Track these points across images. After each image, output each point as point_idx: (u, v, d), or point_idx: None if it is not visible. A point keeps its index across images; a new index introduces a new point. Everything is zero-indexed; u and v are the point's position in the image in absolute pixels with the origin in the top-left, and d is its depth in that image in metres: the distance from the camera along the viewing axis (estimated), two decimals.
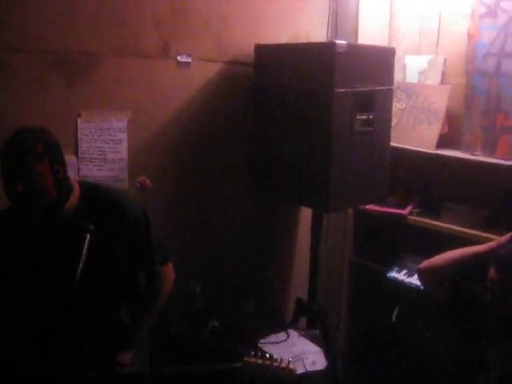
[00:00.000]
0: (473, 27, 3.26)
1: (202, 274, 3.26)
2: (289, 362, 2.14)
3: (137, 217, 2.48)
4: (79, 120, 2.82)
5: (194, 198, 3.31)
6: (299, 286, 3.68)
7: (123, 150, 2.97)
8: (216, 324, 3.09)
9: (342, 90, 2.85)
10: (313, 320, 3.42)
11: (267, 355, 2.16)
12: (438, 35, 3.52)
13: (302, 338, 3.17)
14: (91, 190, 2.41)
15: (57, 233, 2.30)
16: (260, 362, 2.14)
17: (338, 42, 2.84)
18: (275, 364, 2.12)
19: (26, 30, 2.64)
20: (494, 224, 3.15)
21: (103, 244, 2.32)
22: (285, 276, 3.86)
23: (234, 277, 3.49)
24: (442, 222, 3.31)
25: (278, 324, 3.33)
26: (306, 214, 3.63)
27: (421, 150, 3.39)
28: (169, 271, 2.67)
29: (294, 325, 3.36)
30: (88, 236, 2.20)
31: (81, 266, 2.14)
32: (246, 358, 2.15)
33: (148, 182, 3.05)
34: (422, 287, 3.26)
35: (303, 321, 3.46)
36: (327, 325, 3.38)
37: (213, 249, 3.41)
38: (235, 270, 3.51)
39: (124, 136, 2.96)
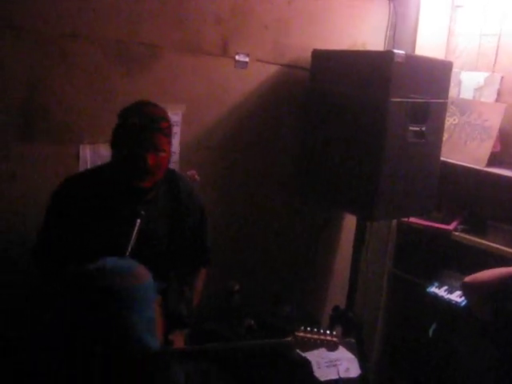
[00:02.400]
0: None
1: (242, 273, 3.28)
2: (332, 334, 2.22)
3: (202, 210, 2.61)
4: None
5: (239, 197, 3.34)
6: (337, 294, 3.68)
7: (175, 144, 3.00)
8: (252, 323, 3.10)
9: (396, 100, 2.86)
10: (348, 329, 3.40)
11: (315, 329, 2.21)
12: (497, 53, 3.50)
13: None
14: (170, 175, 2.50)
15: (129, 210, 2.34)
16: (309, 335, 2.19)
17: (396, 51, 2.84)
18: (322, 337, 2.18)
19: (89, 17, 2.67)
20: None
21: (162, 227, 2.42)
22: (324, 283, 3.86)
23: (273, 279, 3.50)
24: (487, 240, 3.29)
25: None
26: (349, 222, 3.63)
27: (471, 166, 3.37)
28: (206, 270, 2.75)
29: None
30: (138, 221, 2.25)
31: (129, 249, 2.19)
32: (296, 333, 2.20)
33: (197, 176, 3.09)
34: (461, 304, 3.27)
35: (338, 329, 3.44)
36: (363, 334, 3.37)
37: (254, 249, 3.43)
38: (275, 272, 3.52)
39: (177, 129, 2.99)
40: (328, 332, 2.27)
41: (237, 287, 3.11)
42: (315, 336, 2.22)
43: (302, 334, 2.22)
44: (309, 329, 2.24)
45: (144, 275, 1.95)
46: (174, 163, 2.99)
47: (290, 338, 2.21)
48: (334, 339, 2.24)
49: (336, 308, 3.44)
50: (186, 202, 2.50)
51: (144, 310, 1.88)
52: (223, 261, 3.29)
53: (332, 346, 2.25)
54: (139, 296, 1.89)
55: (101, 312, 1.83)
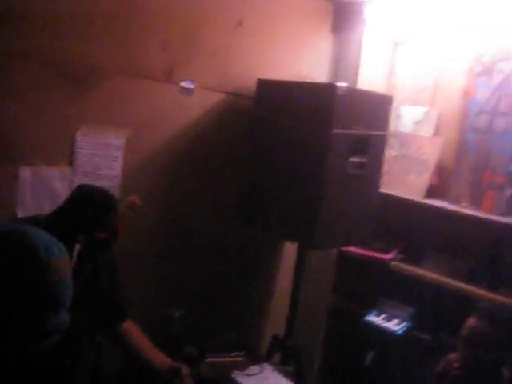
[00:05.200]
0: (469, 85, 3.37)
1: (183, 300, 3.25)
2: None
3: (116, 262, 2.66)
4: (78, 133, 2.83)
5: (181, 223, 3.33)
6: (277, 322, 3.68)
7: (118, 168, 2.99)
8: (191, 350, 3.07)
9: (338, 131, 2.92)
10: (287, 357, 3.41)
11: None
12: (435, 90, 3.63)
13: (276, 372, 3.15)
14: None
15: None
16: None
17: (338, 84, 2.91)
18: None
19: (36, 37, 2.64)
20: (474, 277, 3.21)
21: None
22: (264, 310, 3.87)
23: (213, 306, 3.49)
24: (423, 269, 3.37)
25: (252, 357, 3.32)
26: (290, 250, 3.65)
27: (409, 198, 3.47)
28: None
29: (268, 359, 3.35)
30: (78, 246, 2.24)
31: None
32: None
33: (138, 201, 3.07)
34: (398, 333, 3.34)
35: (277, 357, 3.45)
36: (301, 362, 3.38)
37: (195, 276, 3.41)
38: (215, 299, 3.51)
39: (120, 154, 2.98)
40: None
41: (177, 314, 3.08)
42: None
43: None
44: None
45: None
46: (115, 187, 2.97)
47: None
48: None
49: (275, 336, 3.44)
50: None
51: None
52: (164, 286, 3.27)
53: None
54: None
55: None
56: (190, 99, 3.21)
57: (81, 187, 2.48)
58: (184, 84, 3.16)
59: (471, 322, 2.56)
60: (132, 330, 2.68)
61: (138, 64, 2.98)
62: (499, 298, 3.06)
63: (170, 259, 3.31)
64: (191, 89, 3.19)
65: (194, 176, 3.32)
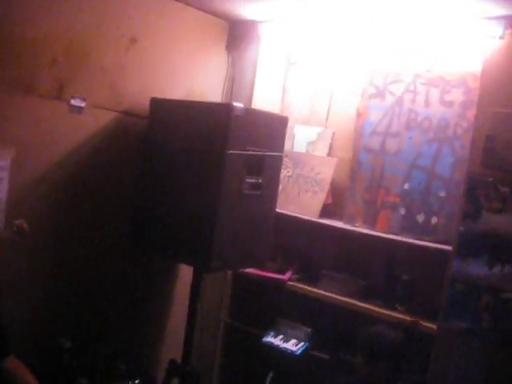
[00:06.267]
0: (362, 106, 3.44)
1: (74, 328, 3.11)
2: None
3: None
4: None
5: (72, 247, 3.17)
6: (174, 347, 3.59)
7: (3, 190, 2.81)
8: (84, 382, 2.94)
9: (234, 152, 2.88)
10: (185, 382, 3.33)
11: None
12: (329, 110, 3.68)
13: None
14: None
15: None
16: None
17: (235, 104, 2.88)
18: None
19: None
20: (370, 295, 3.26)
21: None
22: (159, 335, 3.76)
23: (107, 333, 3.35)
24: (319, 289, 3.39)
25: None
26: (185, 273, 3.58)
27: (304, 217, 3.48)
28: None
29: None
30: None
31: None
32: None
33: (26, 225, 2.90)
34: (297, 353, 3.33)
35: (175, 382, 3.36)
36: None
37: (87, 302, 3.27)
38: (109, 326, 3.37)
39: (5, 175, 2.80)
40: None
41: (68, 344, 2.94)
42: None
43: None
44: None
45: None
46: (1, 212, 2.80)
47: None
48: None
49: (172, 361, 3.35)
50: None
51: None
52: (53, 315, 3.10)
53: None
54: None
55: None
56: (80, 118, 3.08)
57: None
58: (74, 102, 3.03)
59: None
60: (15, 366, 2.50)
61: (24, 80, 2.83)
62: (395, 314, 3.12)
63: (59, 287, 3.15)
64: (82, 107, 3.06)
65: (85, 197, 3.18)
